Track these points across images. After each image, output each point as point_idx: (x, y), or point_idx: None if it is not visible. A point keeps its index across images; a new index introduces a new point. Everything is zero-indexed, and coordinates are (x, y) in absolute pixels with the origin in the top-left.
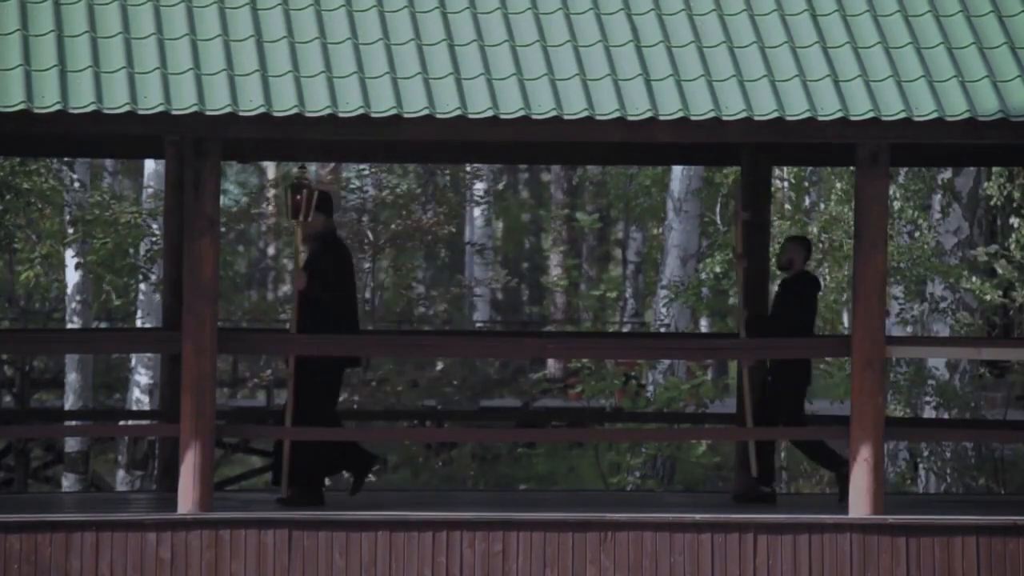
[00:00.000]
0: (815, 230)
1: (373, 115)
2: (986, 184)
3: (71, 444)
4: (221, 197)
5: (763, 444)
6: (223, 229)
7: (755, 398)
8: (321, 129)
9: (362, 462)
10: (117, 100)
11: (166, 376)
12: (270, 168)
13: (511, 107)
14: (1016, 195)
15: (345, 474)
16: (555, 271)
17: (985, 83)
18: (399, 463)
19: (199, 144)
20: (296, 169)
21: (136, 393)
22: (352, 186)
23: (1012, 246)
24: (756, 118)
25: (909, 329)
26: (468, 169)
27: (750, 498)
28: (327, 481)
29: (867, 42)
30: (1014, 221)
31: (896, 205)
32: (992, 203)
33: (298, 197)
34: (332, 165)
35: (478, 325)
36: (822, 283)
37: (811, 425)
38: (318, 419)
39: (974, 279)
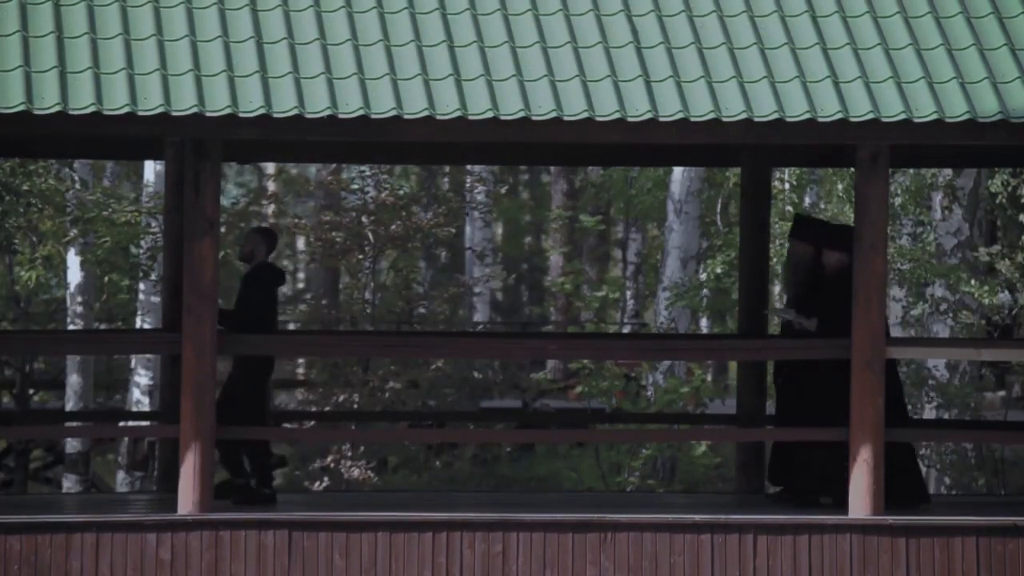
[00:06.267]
0: None
1: (373, 116)
2: (989, 181)
3: (71, 445)
4: (221, 198)
5: (225, 444)
6: (223, 229)
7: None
8: (321, 130)
9: None
10: (117, 101)
11: (166, 377)
12: (270, 169)
13: (511, 108)
14: (1023, 192)
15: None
16: (556, 273)
17: (985, 84)
18: (399, 463)
19: (199, 145)
20: None
21: (136, 394)
22: (353, 187)
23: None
24: (756, 119)
25: (911, 331)
26: (469, 176)
27: (228, 491)
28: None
29: (867, 43)
30: (1023, 218)
31: (897, 202)
32: (997, 200)
33: None
34: (333, 166)
35: (479, 327)
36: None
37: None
38: None
39: (973, 281)
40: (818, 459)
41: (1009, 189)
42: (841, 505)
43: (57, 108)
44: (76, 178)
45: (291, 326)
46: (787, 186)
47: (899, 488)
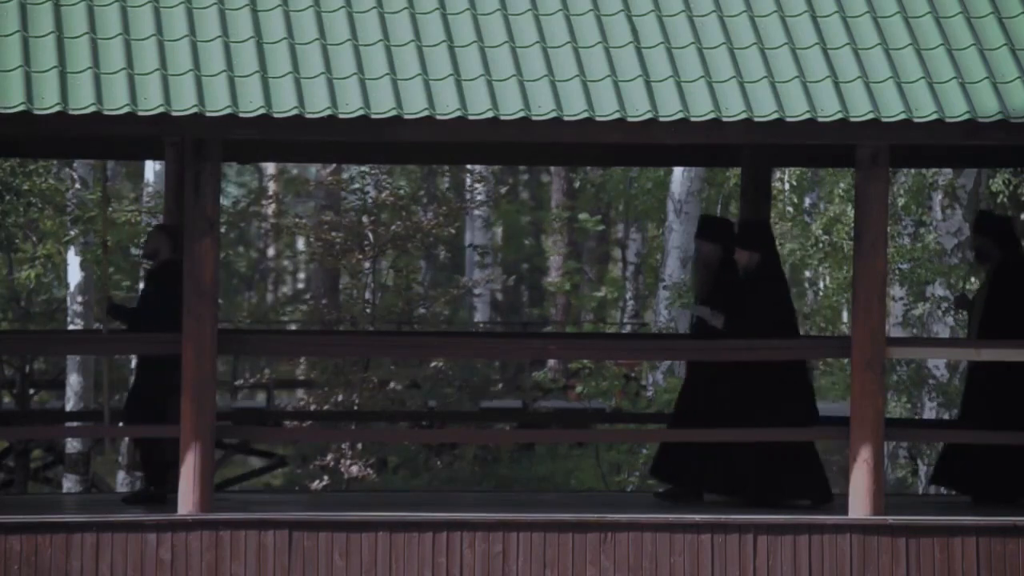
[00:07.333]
0: (818, 231)
1: (373, 116)
2: (991, 181)
3: (72, 445)
4: (221, 198)
5: (146, 445)
6: (223, 230)
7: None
8: (321, 130)
9: None
10: (117, 101)
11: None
12: (270, 169)
13: (511, 108)
14: (1023, 191)
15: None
16: (556, 273)
17: (985, 84)
18: (399, 463)
19: (199, 146)
20: None
21: None
22: (353, 187)
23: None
24: (756, 119)
25: (914, 330)
26: (469, 175)
27: (138, 500)
28: None
29: (867, 43)
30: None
31: (900, 202)
32: (998, 200)
33: None
34: (333, 166)
35: (480, 328)
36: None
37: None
38: None
39: (973, 279)
40: (737, 457)
41: (1010, 188)
42: (742, 501)
43: (57, 108)
44: (76, 178)
45: (291, 326)
46: (787, 186)
47: (801, 486)
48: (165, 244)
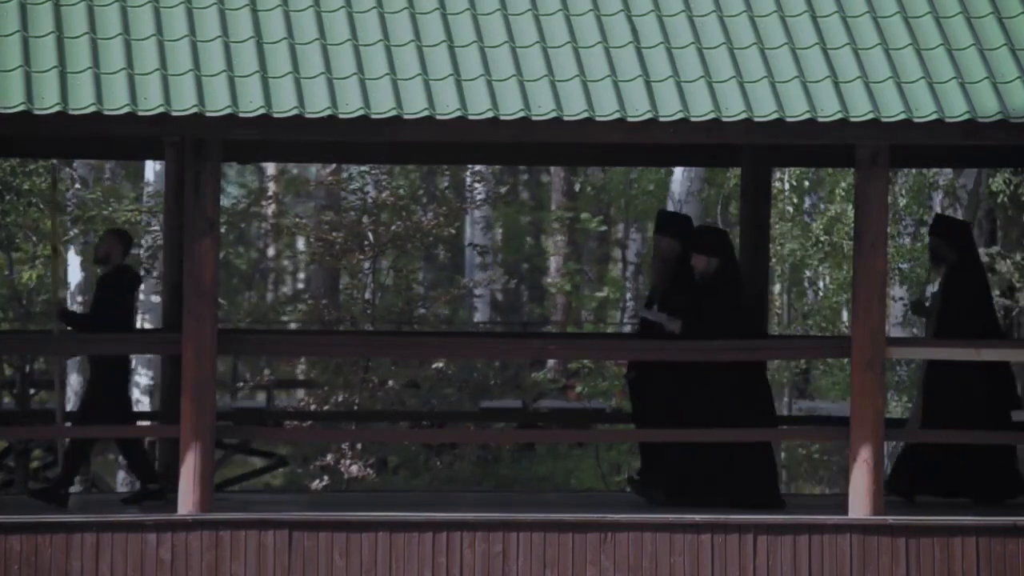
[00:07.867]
0: (818, 231)
1: (373, 116)
2: (991, 180)
3: None
4: (221, 198)
5: (129, 446)
6: (223, 230)
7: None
8: (321, 130)
9: None
10: (117, 101)
11: (166, 377)
12: (270, 169)
13: (511, 108)
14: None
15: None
16: (556, 274)
17: (985, 84)
18: (399, 464)
19: (199, 146)
20: None
21: (136, 394)
22: (352, 187)
23: None
24: (756, 119)
25: (914, 330)
26: (469, 174)
27: (137, 499)
28: None
29: (867, 43)
30: None
31: (900, 202)
32: (999, 199)
33: None
34: (333, 166)
35: (481, 327)
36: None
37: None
38: None
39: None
40: (683, 457)
41: (1010, 188)
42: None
43: (57, 108)
44: (76, 177)
45: (291, 326)
46: (787, 186)
47: (755, 489)
48: (117, 248)
